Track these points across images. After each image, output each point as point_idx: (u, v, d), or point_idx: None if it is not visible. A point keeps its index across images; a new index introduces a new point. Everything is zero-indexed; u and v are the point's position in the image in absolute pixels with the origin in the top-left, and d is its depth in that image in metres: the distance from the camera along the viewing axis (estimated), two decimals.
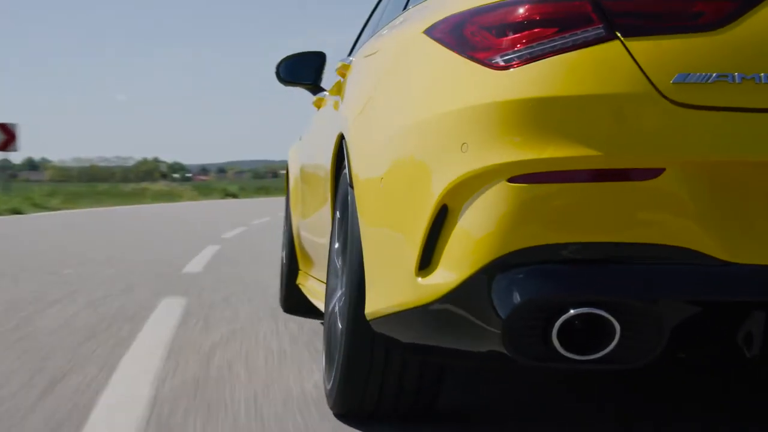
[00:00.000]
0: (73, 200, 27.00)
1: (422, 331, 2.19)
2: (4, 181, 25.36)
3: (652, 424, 2.70)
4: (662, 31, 1.97)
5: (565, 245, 1.94)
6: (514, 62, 2.02)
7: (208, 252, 8.88)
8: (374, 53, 2.81)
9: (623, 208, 1.93)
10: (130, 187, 44.95)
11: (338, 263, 2.91)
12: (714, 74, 1.94)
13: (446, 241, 2.06)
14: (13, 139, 23.55)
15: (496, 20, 2.07)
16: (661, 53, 1.96)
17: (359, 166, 2.54)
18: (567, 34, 1.99)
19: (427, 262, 2.10)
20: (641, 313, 1.93)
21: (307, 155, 4.27)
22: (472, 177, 2.01)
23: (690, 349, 2.03)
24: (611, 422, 2.73)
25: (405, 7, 2.86)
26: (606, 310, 1.92)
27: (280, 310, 4.86)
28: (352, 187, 2.58)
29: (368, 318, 2.36)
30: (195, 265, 7.46)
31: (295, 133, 5.26)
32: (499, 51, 2.05)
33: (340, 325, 2.63)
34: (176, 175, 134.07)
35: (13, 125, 23.72)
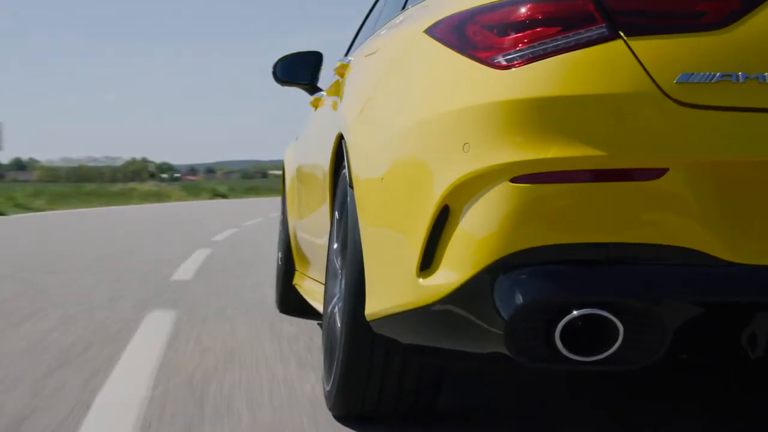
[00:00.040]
0: (58, 201, 26.63)
1: (423, 332, 2.18)
2: None
3: (652, 424, 2.70)
4: (665, 30, 1.97)
5: (569, 246, 1.93)
6: (517, 62, 2.01)
7: (199, 256, 8.31)
8: (374, 53, 2.80)
9: (626, 208, 1.92)
10: (118, 187, 44.44)
11: (337, 264, 2.89)
12: (718, 74, 1.93)
13: (448, 242, 2.05)
14: None
15: (498, 19, 2.06)
16: (664, 53, 1.95)
17: (359, 167, 2.53)
18: (569, 34, 1.98)
19: (428, 262, 2.08)
20: (644, 314, 1.92)
21: (304, 155, 4.24)
22: (474, 177, 1.99)
23: (693, 350, 2.02)
24: (611, 422, 2.73)
25: (404, 7, 2.85)
26: (609, 311, 1.91)
27: (285, 324, 4.40)
28: (351, 188, 2.56)
29: (368, 319, 2.35)
30: (184, 272, 6.84)
31: (286, 134, 5.22)
32: (501, 50, 2.04)
33: (339, 326, 2.61)
34: (165, 175, 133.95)
35: None
